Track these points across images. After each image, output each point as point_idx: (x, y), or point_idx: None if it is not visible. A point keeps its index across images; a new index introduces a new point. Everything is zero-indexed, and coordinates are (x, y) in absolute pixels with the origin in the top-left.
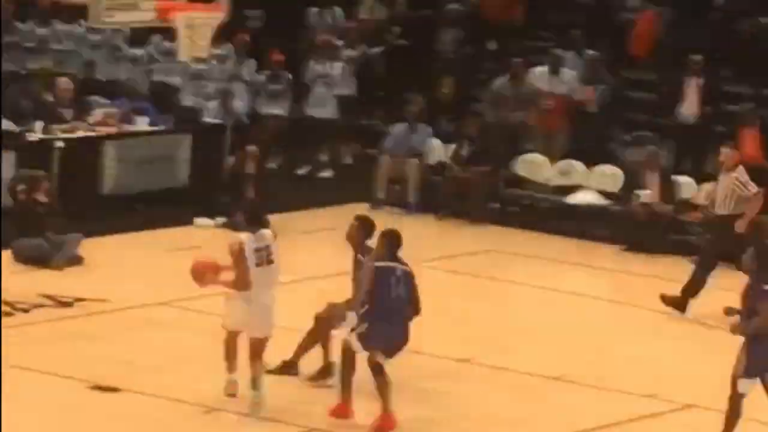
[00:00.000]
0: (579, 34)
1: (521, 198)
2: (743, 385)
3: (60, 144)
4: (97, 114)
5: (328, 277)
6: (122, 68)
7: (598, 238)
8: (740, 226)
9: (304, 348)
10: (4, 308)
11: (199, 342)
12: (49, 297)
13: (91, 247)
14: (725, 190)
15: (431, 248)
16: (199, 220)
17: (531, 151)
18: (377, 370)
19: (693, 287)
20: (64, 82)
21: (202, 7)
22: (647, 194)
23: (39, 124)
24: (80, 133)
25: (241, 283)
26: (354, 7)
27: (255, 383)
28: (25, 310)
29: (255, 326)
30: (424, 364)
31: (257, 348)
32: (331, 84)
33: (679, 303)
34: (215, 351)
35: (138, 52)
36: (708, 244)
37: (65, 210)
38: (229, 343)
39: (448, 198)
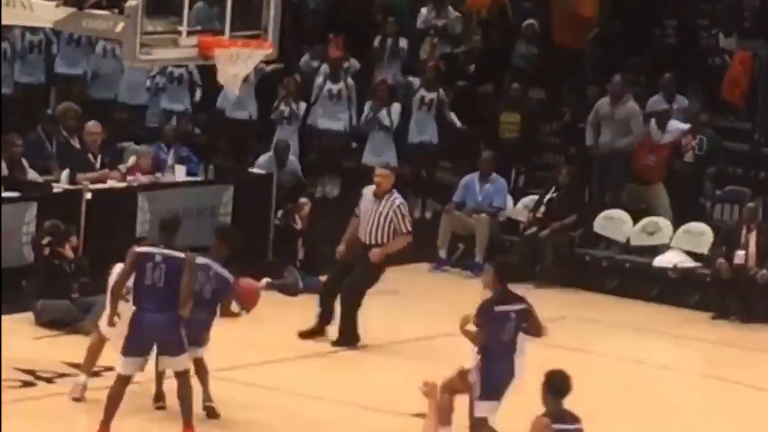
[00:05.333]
0: (670, 79)
1: (599, 259)
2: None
3: (88, 195)
4: (130, 160)
5: (385, 346)
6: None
7: (685, 305)
8: None
9: None
10: (26, 377)
11: (241, 417)
12: (75, 365)
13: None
14: None
15: None
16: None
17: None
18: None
19: None
20: (92, 126)
21: (247, 42)
22: (742, 255)
23: (65, 173)
24: (111, 183)
25: None
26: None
27: None
28: (49, 380)
29: None
30: None
31: None
32: (391, 130)
33: None
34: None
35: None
36: None
37: (94, 268)
38: None
39: (523, 258)
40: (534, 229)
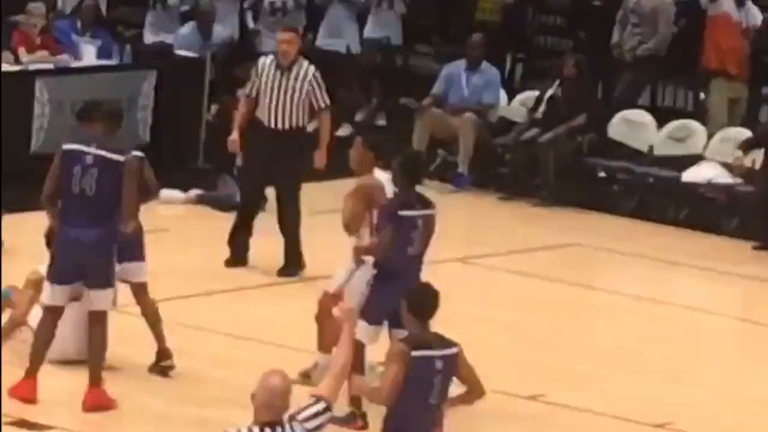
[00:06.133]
0: None
1: (614, 171)
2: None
3: None
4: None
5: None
6: None
7: (721, 231)
8: None
9: None
10: None
11: (134, 353)
12: None
13: (13, 227)
14: None
15: (492, 240)
16: (166, 193)
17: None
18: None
19: None
20: None
21: None
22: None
23: None
24: (3, 66)
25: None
26: None
27: None
28: None
29: None
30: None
31: None
32: (353, 6)
33: None
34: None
35: None
36: None
37: None
38: None
39: (518, 169)
40: (533, 132)
